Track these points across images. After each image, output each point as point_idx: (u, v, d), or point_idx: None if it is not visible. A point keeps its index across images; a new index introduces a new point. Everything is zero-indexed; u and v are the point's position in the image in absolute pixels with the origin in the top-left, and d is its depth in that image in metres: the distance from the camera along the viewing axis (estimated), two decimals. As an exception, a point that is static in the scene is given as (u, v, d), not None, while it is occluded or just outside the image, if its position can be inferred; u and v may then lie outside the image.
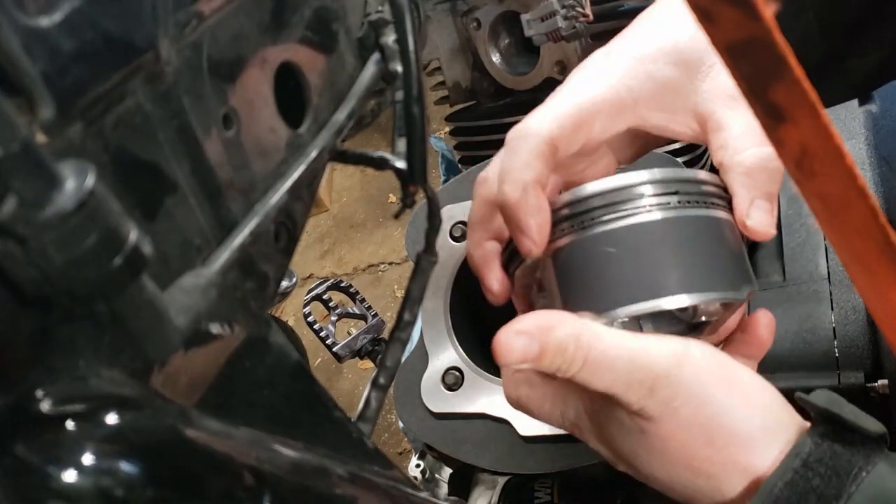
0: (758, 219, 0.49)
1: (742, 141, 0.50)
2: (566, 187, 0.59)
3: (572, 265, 0.49)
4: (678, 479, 0.46)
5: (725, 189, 0.51)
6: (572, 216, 0.49)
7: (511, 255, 0.54)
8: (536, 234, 0.49)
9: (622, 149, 0.59)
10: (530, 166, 0.50)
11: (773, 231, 0.50)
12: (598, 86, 0.53)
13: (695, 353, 0.46)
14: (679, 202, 0.48)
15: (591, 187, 0.49)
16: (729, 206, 0.50)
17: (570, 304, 0.48)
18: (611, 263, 0.47)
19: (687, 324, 0.54)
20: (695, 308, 0.51)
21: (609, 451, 0.49)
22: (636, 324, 0.53)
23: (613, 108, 0.52)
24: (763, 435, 0.44)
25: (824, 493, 0.41)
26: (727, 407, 0.45)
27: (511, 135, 0.52)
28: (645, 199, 0.48)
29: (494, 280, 0.54)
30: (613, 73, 0.53)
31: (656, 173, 0.48)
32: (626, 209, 0.48)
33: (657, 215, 0.48)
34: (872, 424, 0.43)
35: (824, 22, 0.56)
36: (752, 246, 0.85)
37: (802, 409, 0.45)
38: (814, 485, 0.41)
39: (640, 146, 0.59)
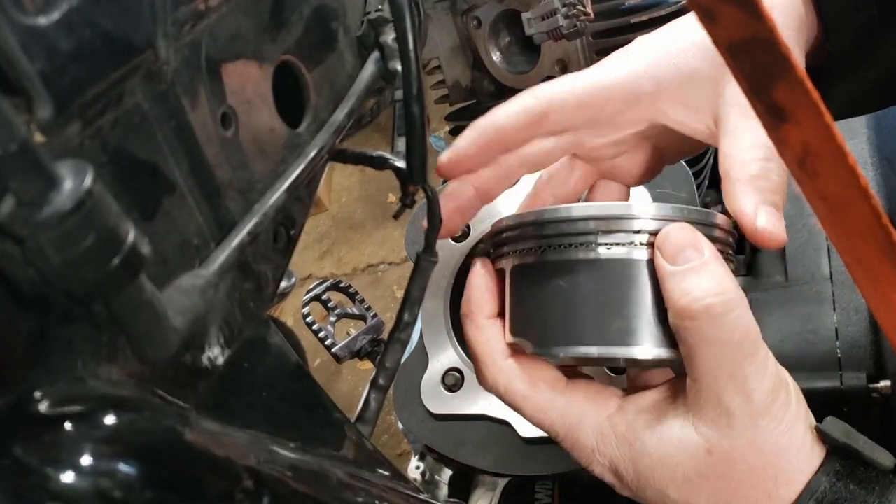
0: (767, 222, 0.47)
1: (750, 153, 0.49)
2: (600, 180, 0.60)
3: (524, 288, 0.48)
4: None
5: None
6: (544, 236, 0.47)
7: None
8: (446, 161, 0.53)
9: (647, 150, 0.58)
10: (507, 112, 0.52)
11: (783, 236, 0.48)
12: (619, 70, 0.53)
13: None
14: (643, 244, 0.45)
15: (566, 210, 0.46)
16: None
17: (515, 329, 0.49)
18: (562, 298, 0.46)
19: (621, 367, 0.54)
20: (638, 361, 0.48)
21: (632, 471, 0.47)
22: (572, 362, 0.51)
23: (630, 95, 0.52)
24: (788, 469, 0.44)
25: None
26: (779, 438, 0.44)
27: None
28: (618, 235, 0.45)
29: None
30: (640, 60, 0.53)
31: (645, 209, 0.46)
32: (595, 242, 0.45)
33: (621, 254, 0.45)
34: (886, 458, 0.43)
35: None
36: (754, 246, 0.85)
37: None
38: None
39: (664, 149, 0.59)
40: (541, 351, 0.47)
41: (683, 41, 0.52)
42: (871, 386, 0.71)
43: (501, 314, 0.52)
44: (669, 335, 0.44)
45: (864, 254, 0.37)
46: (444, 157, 0.54)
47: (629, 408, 0.47)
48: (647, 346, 0.45)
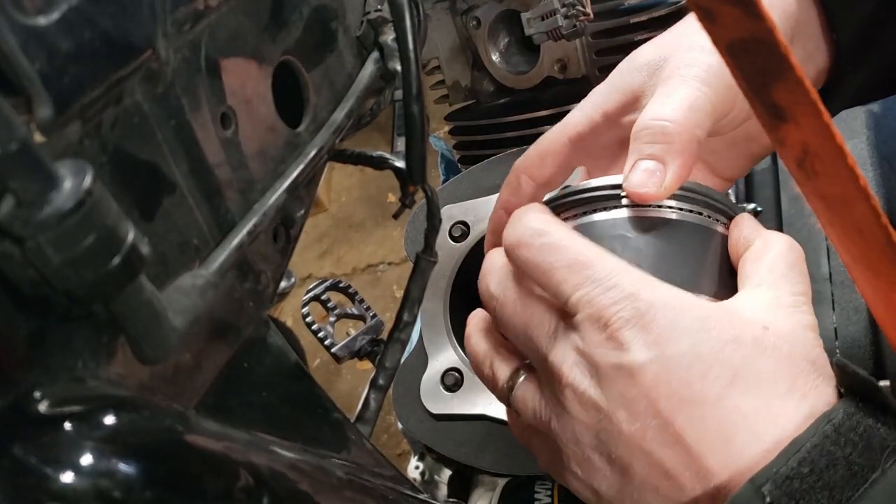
0: (634, 178, 0.47)
1: (648, 110, 0.49)
2: None
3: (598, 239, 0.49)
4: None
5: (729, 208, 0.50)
6: (591, 200, 0.49)
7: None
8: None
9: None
10: (501, 195, 0.55)
11: (652, 191, 0.46)
12: (574, 116, 0.54)
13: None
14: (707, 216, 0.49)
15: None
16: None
17: None
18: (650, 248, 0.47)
19: None
20: None
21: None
22: None
23: (586, 129, 0.53)
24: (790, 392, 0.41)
25: (856, 462, 0.38)
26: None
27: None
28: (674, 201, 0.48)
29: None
30: (592, 98, 0.54)
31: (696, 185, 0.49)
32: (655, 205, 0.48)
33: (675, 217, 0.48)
34: None
35: None
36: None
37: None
38: (845, 453, 0.38)
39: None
40: None
41: (626, 64, 0.54)
42: (870, 386, 0.71)
43: None
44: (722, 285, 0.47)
45: (864, 253, 0.37)
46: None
47: None
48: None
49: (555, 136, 0.54)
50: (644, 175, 0.47)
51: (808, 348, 0.42)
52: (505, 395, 0.48)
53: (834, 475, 0.37)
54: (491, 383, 0.49)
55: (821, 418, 0.39)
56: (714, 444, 0.40)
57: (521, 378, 0.47)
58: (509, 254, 0.46)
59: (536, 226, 0.45)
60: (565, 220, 0.49)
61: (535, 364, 0.46)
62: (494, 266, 0.49)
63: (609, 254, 0.43)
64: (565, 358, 0.43)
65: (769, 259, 0.46)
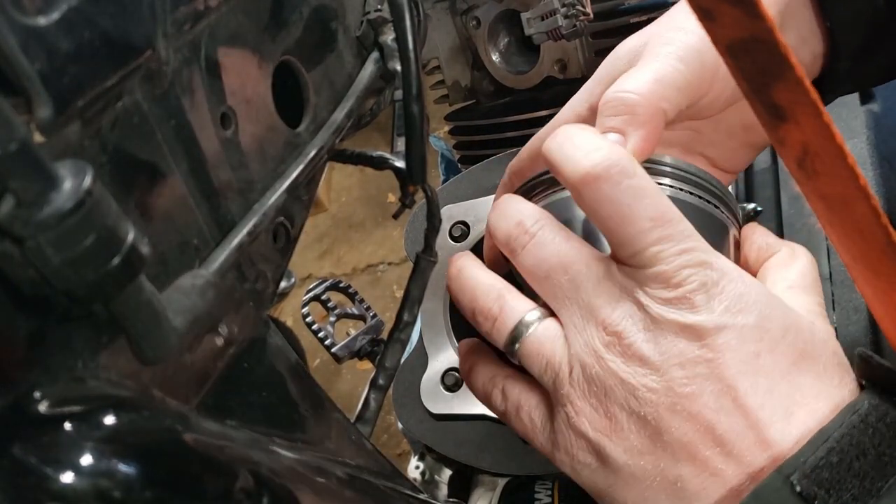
0: None
1: (615, 85, 0.48)
2: None
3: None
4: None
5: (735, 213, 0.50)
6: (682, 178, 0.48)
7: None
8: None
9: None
10: (497, 196, 0.54)
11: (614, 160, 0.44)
12: (562, 114, 0.56)
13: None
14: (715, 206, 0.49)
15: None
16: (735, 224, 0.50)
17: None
18: None
19: None
20: None
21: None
22: None
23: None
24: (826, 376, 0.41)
25: (885, 452, 0.37)
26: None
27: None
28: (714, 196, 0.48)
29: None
30: (578, 95, 0.55)
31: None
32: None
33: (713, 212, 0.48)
34: None
35: None
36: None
37: None
38: (874, 442, 0.37)
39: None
40: None
41: (609, 59, 0.54)
42: (870, 385, 0.71)
43: None
44: None
45: (864, 253, 0.37)
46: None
47: None
48: None
49: (544, 135, 0.53)
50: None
51: (840, 350, 0.43)
52: (511, 336, 0.44)
53: (864, 464, 0.37)
54: (494, 322, 0.45)
55: (846, 409, 0.39)
56: (776, 416, 0.39)
57: (540, 318, 0.44)
58: (582, 184, 0.41)
59: (625, 164, 0.41)
60: (536, 200, 0.48)
61: (564, 308, 0.43)
62: (523, 206, 0.46)
63: (676, 210, 0.41)
64: (617, 306, 0.41)
65: (800, 267, 0.47)
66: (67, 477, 0.27)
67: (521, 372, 0.48)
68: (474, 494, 0.84)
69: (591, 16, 0.75)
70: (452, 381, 0.76)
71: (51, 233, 0.25)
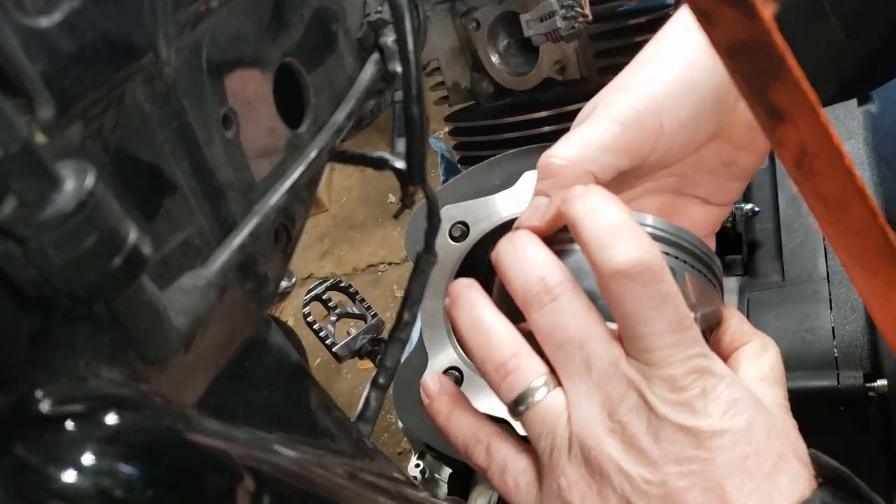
0: (523, 215, 0.50)
1: (547, 150, 0.50)
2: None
3: None
4: None
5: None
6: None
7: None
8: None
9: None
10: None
11: (534, 223, 0.49)
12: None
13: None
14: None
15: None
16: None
17: None
18: None
19: None
20: None
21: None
22: None
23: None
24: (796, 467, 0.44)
25: None
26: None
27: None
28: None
29: None
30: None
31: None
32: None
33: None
34: (879, 500, 0.43)
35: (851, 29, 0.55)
36: (752, 245, 0.85)
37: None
38: None
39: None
40: None
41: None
42: (867, 385, 0.71)
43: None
44: None
45: (861, 253, 0.37)
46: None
47: None
48: None
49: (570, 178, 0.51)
50: (530, 210, 0.49)
51: (801, 444, 0.45)
52: (519, 397, 0.46)
53: None
54: (505, 378, 0.46)
55: None
56: None
57: (548, 386, 0.45)
58: (611, 279, 0.42)
59: (657, 268, 0.42)
60: (557, 249, 0.49)
61: (573, 383, 0.44)
62: (547, 259, 0.46)
63: (691, 316, 0.43)
64: (624, 397, 0.43)
65: (770, 360, 0.49)
66: (69, 476, 0.27)
67: (505, 428, 0.50)
68: (474, 493, 0.84)
69: (590, 17, 0.75)
70: (452, 381, 0.76)
71: (53, 233, 0.26)
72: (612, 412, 0.43)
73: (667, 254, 0.48)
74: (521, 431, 0.71)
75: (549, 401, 0.45)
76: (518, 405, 0.46)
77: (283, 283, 0.44)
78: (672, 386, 0.42)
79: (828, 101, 0.59)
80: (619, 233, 0.42)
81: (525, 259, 0.46)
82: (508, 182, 0.78)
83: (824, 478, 0.43)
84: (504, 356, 0.46)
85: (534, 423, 0.45)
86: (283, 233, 0.45)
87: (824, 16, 0.53)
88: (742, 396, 0.43)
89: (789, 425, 0.46)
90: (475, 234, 0.79)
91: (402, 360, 0.61)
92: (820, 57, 0.55)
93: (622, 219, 0.43)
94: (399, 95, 0.49)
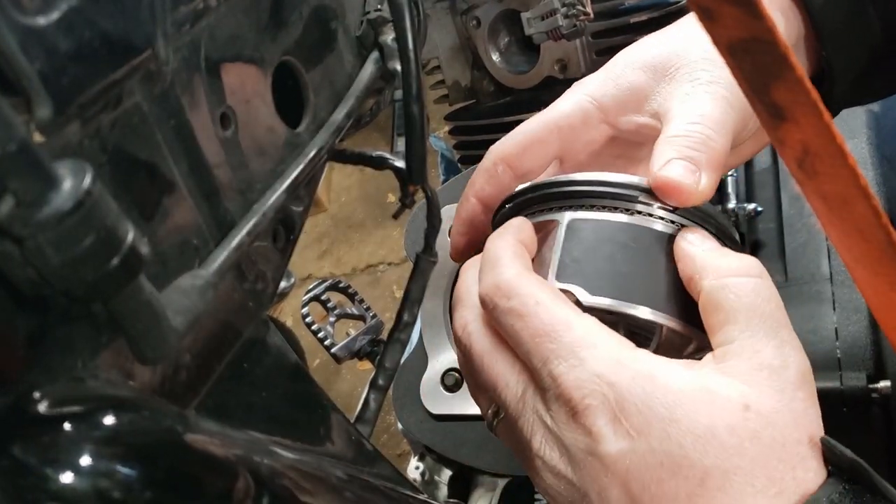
0: (673, 172, 0.44)
1: (678, 126, 0.48)
2: None
3: (587, 242, 0.47)
4: None
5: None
6: (609, 196, 0.47)
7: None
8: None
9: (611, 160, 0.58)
10: (474, 183, 0.52)
11: (693, 189, 0.44)
12: (565, 104, 0.53)
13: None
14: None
15: (633, 178, 0.47)
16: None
17: (563, 275, 0.46)
18: (630, 259, 0.46)
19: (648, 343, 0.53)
20: (672, 331, 0.47)
21: (641, 414, 0.39)
22: (617, 324, 0.48)
23: (577, 121, 0.53)
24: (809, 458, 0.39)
25: None
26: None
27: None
28: (674, 214, 0.47)
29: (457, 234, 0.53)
30: (584, 88, 0.54)
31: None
32: (660, 216, 0.46)
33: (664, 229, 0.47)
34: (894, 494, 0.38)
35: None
36: (754, 245, 0.85)
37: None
38: None
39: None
40: (593, 301, 0.46)
41: (621, 60, 0.54)
42: (871, 386, 0.71)
43: None
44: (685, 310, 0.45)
45: (864, 253, 0.37)
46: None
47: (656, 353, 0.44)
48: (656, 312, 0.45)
49: (541, 125, 0.52)
50: (685, 170, 0.45)
51: (792, 426, 0.39)
52: (492, 414, 0.46)
53: None
54: (489, 404, 0.46)
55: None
56: None
57: (501, 416, 0.45)
58: (483, 305, 0.44)
59: (505, 284, 0.43)
60: (561, 209, 0.48)
61: (504, 423, 0.45)
62: (468, 298, 0.46)
63: (577, 317, 0.41)
64: (535, 430, 0.42)
65: (740, 309, 0.42)
66: (67, 477, 0.27)
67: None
68: (474, 495, 0.84)
69: (592, 15, 0.75)
70: (452, 382, 0.76)
71: (50, 233, 0.25)
72: (532, 448, 0.42)
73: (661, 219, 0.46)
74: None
75: (500, 428, 0.45)
76: (493, 420, 0.46)
77: (282, 284, 0.44)
78: (567, 406, 0.40)
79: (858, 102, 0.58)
80: (486, 264, 0.44)
81: (456, 294, 0.48)
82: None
83: (835, 467, 0.39)
84: (487, 377, 0.46)
85: (503, 438, 0.46)
86: (282, 232, 0.45)
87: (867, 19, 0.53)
88: (655, 407, 0.39)
89: (769, 411, 0.39)
90: (475, 234, 0.78)
91: (402, 361, 0.61)
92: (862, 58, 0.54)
93: (496, 258, 0.45)
94: (399, 94, 0.49)
